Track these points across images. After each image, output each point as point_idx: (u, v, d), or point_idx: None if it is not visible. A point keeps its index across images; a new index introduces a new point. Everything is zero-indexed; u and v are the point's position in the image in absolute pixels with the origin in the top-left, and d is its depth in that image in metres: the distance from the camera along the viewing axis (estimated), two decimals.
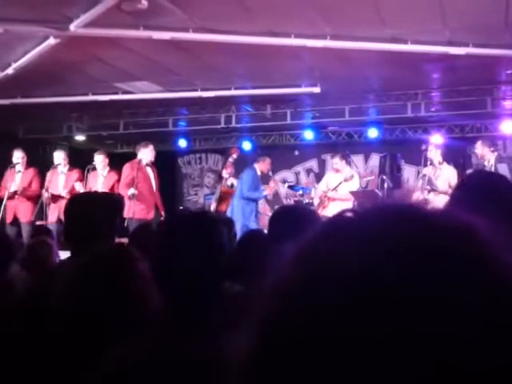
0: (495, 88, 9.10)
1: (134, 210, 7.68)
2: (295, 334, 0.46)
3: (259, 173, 8.94)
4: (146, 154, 8.16)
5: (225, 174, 9.31)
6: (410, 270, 0.46)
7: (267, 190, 9.13)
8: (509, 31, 6.43)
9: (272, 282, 0.51)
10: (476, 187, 1.85)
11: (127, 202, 7.53)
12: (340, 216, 0.54)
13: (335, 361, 0.44)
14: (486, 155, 8.25)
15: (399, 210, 0.53)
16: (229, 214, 8.47)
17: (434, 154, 8.45)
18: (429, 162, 8.48)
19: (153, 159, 8.28)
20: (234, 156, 9.32)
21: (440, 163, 8.40)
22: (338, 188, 8.89)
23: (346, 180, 8.86)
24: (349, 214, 0.54)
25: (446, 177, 8.28)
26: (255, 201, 8.87)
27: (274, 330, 0.48)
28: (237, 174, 9.32)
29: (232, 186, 9.16)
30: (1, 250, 3.24)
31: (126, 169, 8.08)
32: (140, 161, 8.10)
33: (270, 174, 9.32)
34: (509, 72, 8.30)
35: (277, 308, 0.48)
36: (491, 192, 1.78)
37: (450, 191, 7.84)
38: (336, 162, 9.24)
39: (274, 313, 0.48)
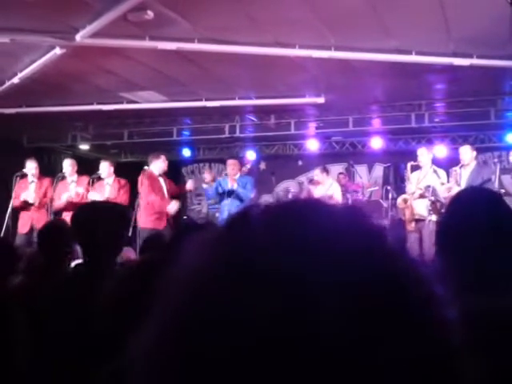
0: (499, 99, 9.11)
1: (147, 220, 7.69)
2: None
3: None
4: (159, 164, 8.09)
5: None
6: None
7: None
8: None
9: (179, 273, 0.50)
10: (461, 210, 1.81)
11: (142, 211, 7.74)
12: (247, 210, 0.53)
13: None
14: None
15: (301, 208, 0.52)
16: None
17: (427, 157, 8.34)
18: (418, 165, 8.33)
19: (166, 169, 8.22)
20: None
21: (430, 167, 8.26)
22: None
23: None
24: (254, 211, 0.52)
25: (443, 182, 8.15)
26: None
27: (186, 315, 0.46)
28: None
29: None
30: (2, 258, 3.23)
31: (147, 179, 7.95)
32: (152, 171, 8.06)
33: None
34: None
35: (187, 297, 0.47)
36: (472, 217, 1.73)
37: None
38: (316, 173, 9.32)
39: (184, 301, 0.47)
